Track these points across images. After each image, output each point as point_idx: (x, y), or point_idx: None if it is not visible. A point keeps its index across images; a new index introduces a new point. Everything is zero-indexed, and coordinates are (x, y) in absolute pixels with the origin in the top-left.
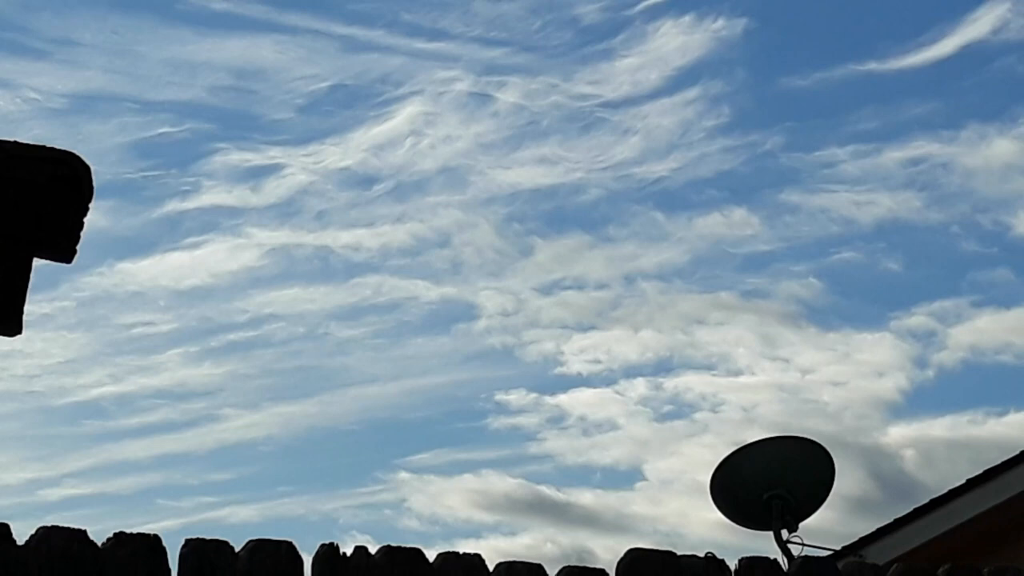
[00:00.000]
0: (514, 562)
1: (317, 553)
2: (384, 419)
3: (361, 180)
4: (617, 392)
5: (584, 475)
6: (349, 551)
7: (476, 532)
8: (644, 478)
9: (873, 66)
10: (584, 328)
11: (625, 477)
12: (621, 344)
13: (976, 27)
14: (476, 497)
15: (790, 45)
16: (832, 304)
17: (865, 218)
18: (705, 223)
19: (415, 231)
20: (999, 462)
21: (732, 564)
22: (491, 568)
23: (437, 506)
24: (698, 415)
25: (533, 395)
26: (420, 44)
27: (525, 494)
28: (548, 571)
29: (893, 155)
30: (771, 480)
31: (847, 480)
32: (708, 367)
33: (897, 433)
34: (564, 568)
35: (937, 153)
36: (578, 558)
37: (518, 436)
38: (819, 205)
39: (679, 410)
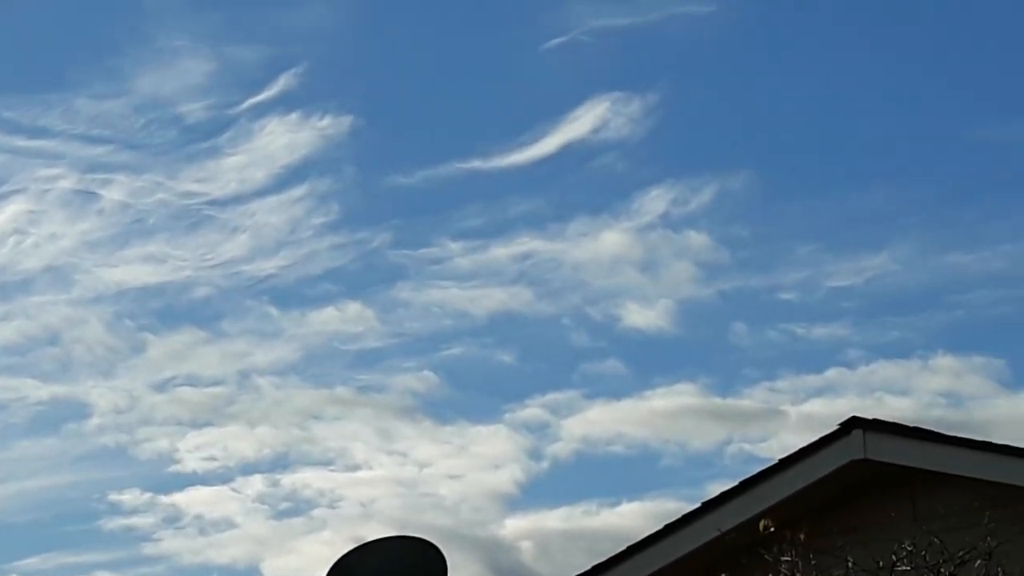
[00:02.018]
0: None
1: None
2: None
3: None
4: (234, 489)
5: (201, 575)
6: None
7: None
8: None
9: (477, 164)
10: (199, 425)
11: None
12: (237, 440)
13: (577, 126)
14: None
15: (396, 143)
16: (447, 397)
17: (477, 312)
18: (319, 318)
19: (22, 329)
20: (612, 554)
21: None
22: None
23: None
24: (316, 511)
25: (148, 494)
26: (21, 142)
27: None
28: None
29: (501, 250)
30: None
31: (464, 575)
32: (325, 462)
33: (514, 525)
34: None
35: (544, 248)
36: None
37: (132, 537)
38: (431, 300)
39: (297, 507)
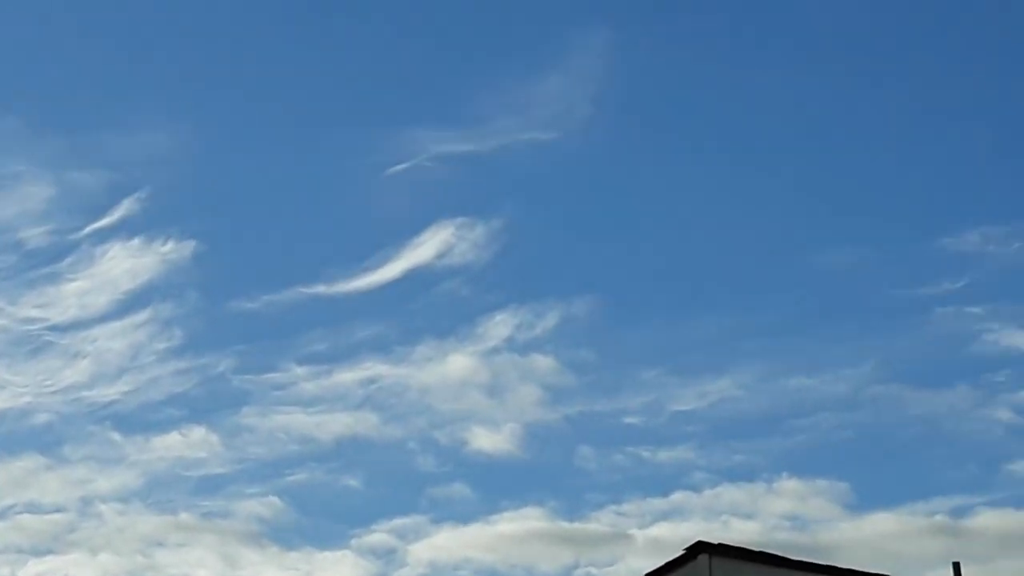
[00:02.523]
0: None
1: None
2: None
3: None
4: None
5: None
6: None
7: None
8: None
9: (321, 289)
10: (40, 552)
11: None
12: (79, 568)
13: (421, 251)
14: None
15: (239, 268)
16: (293, 522)
17: (323, 436)
18: (163, 443)
19: None
20: None
21: None
22: None
23: None
24: None
25: None
26: None
27: None
28: None
29: (347, 375)
30: None
31: None
32: None
33: None
34: None
35: (390, 373)
36: None
37: None
38: (276, 425)
39: None
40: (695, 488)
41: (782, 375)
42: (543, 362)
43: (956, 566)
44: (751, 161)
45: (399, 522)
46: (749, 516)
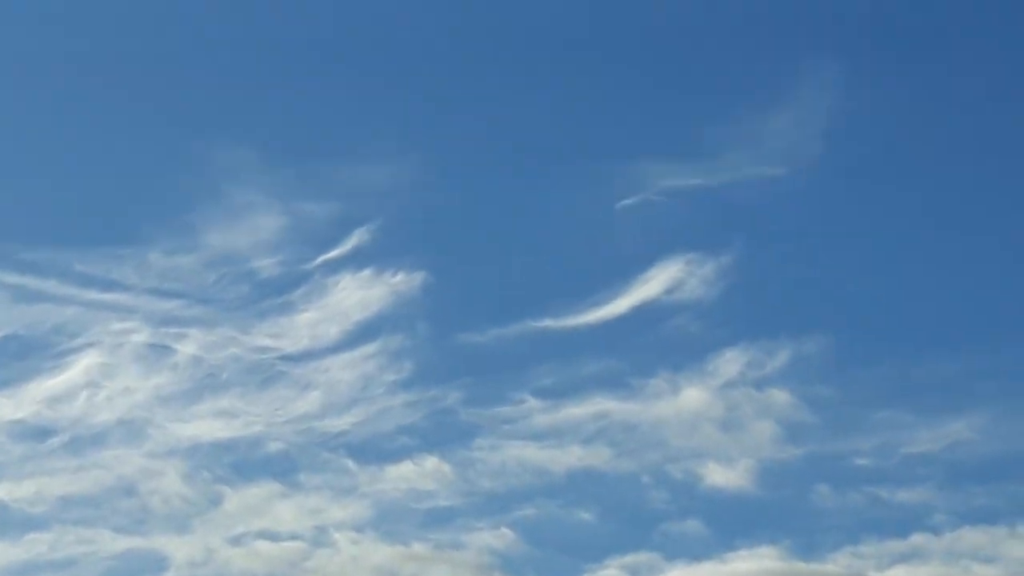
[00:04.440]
0: None
1: None
2: None
3: (36, 433)
4: None
5: None
6: None
7: None
8: None
9: (549, 323)
10: None
11: None
12: None
13: (650, 287)
14: None
15: (468, 300)
16: (526, 555)
17: (556, 469)
18: (397, 471)
19: (98, 481)
20: None
21: None
22: None
23: None
24: None
25: None
26: (95, 295)
27: None
28: None
29: (575, 409)
30: None
31: None
32: None
33: None
34: None
35: (619, 408)
36: None
37: None
38: (507, 457)
39: None
40: (935, 531)
41: (1020, 418)
42: (780, 397)
43: None
44: (985, 199)
45: (632, 558)
46: (990, 560)
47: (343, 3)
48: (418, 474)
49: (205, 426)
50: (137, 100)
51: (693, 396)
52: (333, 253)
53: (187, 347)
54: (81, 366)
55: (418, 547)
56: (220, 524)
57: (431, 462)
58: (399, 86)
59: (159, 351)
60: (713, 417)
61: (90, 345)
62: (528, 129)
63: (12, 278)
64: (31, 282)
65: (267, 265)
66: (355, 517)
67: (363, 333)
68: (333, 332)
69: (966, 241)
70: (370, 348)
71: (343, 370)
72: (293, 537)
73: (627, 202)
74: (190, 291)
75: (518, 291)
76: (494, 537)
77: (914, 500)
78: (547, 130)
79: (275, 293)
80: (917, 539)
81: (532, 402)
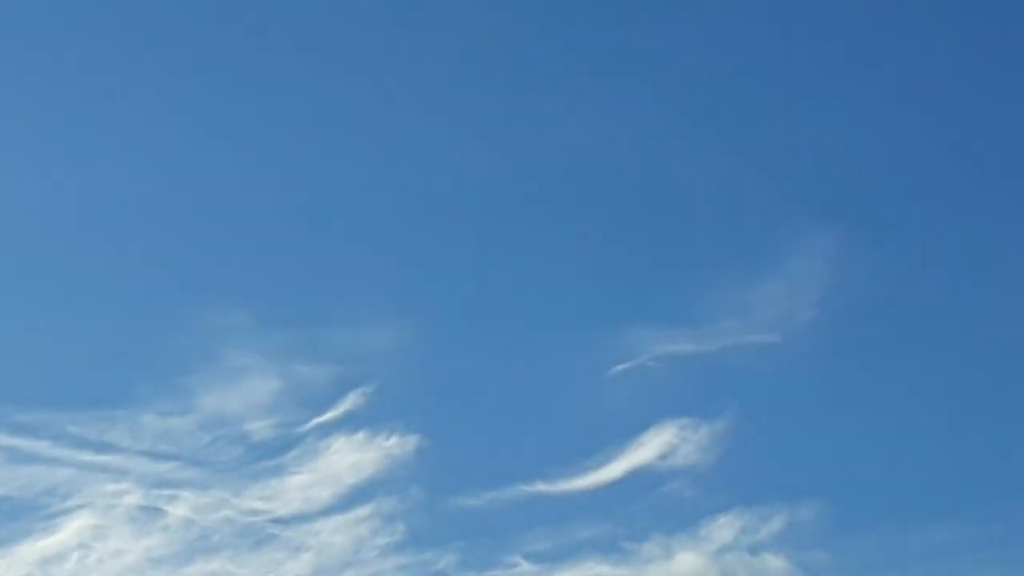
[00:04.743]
0: None
1: None
2: None
3: None
4: None
5: None
6: None
7: None
8: None
9: (542, 487)
10: None
11: None
12: None
13: (643, 452)
14: None
15: (462, 464)
16: None
17: None
18: None
19: None
20: None
21: None
22: None
23: None
24: None
25: None
26: (87, 456)
27: None
28: None
29: (568, 574)
30: None
31: None
32: None
33: None
34: None
35: (612, 573)
36: None
37: None
38: None
39: None
40: None
41: None
42: (774, 562)
43: None
44: (980, 366)
45: None
46: None
47: (339, 167)
48: None
49: None
50: (132, 262)
51: (687, 561)
52: (327, 416)
53: (179, 509)
54: (73, 527)
55: None
56: None
57: None
58: (395, 252)
59: (151, 513)
60: None
61: (82, 507)
62: (523, 296)
63: (5, 439)
64: (24, 443)
65: (261, 427)
66: None
67: (356, 496)
68: (325, 495)
69: (961, 410)
70: (363, 511)
71: (335, 533)
72: None
73: (621, 368)
74: (184, 453)
75: (512, 455)
76: None
77: None
78: (542, 297)
79: (268, 456)
80: None
81: (525, 566)
